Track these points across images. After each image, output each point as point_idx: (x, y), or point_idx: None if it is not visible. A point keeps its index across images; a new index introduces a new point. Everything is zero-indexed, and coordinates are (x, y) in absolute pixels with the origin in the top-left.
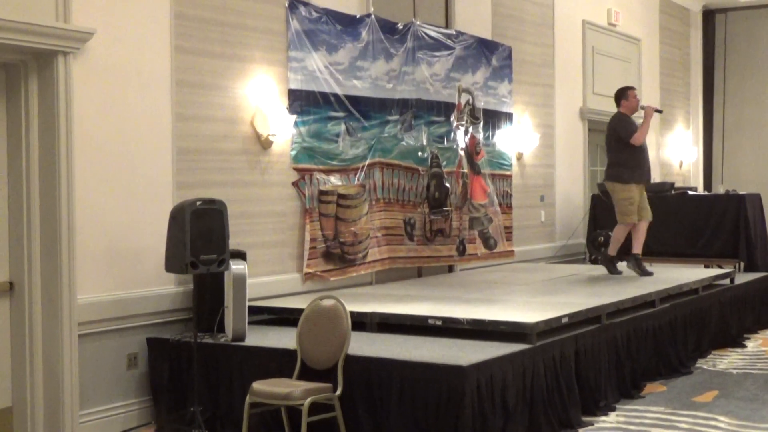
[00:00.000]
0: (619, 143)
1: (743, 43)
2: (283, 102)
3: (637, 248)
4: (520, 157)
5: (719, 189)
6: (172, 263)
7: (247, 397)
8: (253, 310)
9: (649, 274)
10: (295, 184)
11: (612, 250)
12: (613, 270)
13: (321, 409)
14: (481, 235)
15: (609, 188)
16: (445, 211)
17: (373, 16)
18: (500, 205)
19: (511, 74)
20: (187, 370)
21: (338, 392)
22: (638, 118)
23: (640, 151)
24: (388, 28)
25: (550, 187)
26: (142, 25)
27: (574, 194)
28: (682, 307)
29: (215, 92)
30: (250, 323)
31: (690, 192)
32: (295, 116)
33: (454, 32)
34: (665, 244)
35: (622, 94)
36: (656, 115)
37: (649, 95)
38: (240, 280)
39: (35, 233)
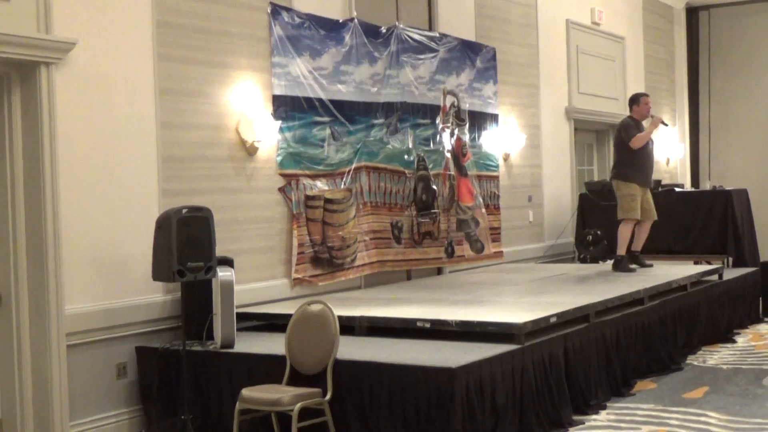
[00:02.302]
0: (624, 145)
1: (727, 40)
2: (268, 108)
3: (638, 246)
4: (506, 158)
5: (706, 185)
6: (159, 271)
7: (237, 404)
8: (242, 317)
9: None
10: (281, 189)
11: (621, 250)
12: (626, 269)
13: (311, 414)
14: (468, 238)
15: (614, 186)
16: (433, 214)
17: (356, 20)
18: (488, 206)
19: (496, 75)
20: (176, 378)
21: (328, 397)
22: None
23: (645, 156)
24: (371, 31)
25: (537, 187)
26: (124, 34)
27: (562, 194)
28: (671, 304)
29: (199, 99)
30: (239, 330)
31: (677, 189)
32: (279, 122)
33: (437, 35)
34: (654, 242)
35: (635, 100)
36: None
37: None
38: (227, 287)
39: (21, 244)
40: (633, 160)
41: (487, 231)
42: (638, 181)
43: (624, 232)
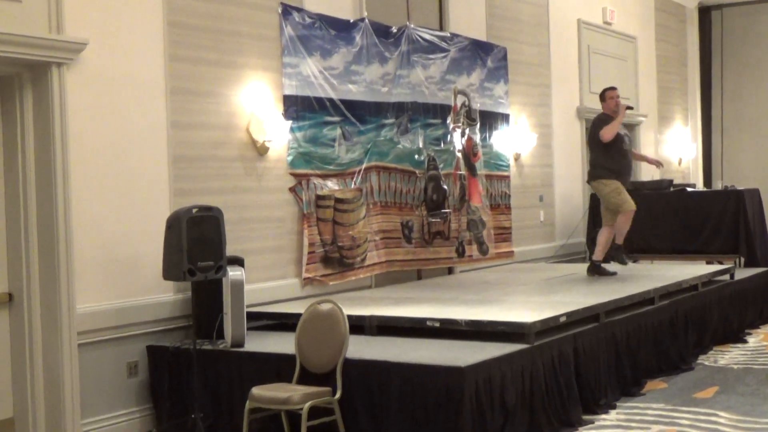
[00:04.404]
0: (596, 142)
1: (739, 39)
2: (279, 108)
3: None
4: (517, 158)
5: (718, 185)
6: (170, 271)
7: (247, 403)
8: (252, 316)
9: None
10: (292, 189)
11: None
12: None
13: (321, 413)
14: (476, 240)
15: (594, 188)
16: (444, 214)
17: (366, 20)
18: (498, 206)
19: (507, 75)
20: (187, 377)
21: (337, 396)
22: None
23: (619, 154)
24: (382, 31)
25: (548, 187)
26: (135, 35)
27: (573, 193)
28: (682, 304)
29: (210, 99)
30: (249, 329)
31: (689, 188)
32: (290, 122)
33: (448, 34)
34: (665, 241)
35: (601, 96)
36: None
37: (646, 92)
38: (238, 287)
39: (33, 244)
40: (608, 159)
41: (491, 232)
42: (616, 179)
43: (621, 224)
